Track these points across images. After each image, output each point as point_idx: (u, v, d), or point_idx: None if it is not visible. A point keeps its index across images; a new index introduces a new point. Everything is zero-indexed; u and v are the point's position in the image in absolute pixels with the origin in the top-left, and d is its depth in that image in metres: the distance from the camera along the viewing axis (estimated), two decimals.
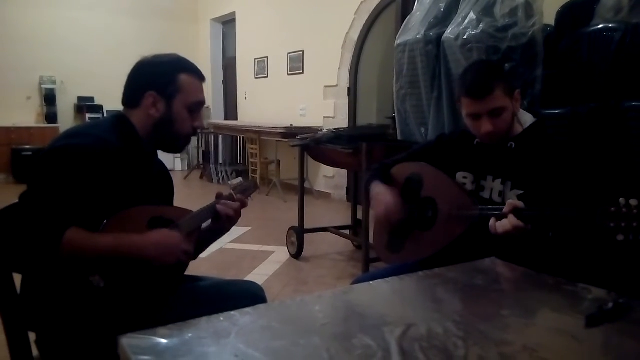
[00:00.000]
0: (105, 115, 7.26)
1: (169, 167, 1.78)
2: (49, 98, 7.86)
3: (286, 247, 3.88)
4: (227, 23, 8.93)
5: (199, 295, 1.37)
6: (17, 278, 1.18)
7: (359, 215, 3.77)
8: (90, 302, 1.15)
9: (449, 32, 2.42)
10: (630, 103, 1.88)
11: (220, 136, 7.77)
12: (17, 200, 1.14)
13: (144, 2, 8.75)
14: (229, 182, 1.55)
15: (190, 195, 6.38)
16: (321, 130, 5.01)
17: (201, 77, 1.37)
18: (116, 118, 1.33)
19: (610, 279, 1.46)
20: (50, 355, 1.22)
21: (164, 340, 0.82)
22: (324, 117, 6.26)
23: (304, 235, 3.75)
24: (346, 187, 6.05)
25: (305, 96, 6.65)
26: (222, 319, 0.91)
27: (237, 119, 8.38)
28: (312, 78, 6.52)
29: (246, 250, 3.97)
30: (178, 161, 8.92)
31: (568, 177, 1.48)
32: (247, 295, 1.37)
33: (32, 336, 1.20)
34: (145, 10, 8.73)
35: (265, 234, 4.48)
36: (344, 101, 6.04)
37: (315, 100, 6.43)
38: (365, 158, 3.01)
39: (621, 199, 1.16)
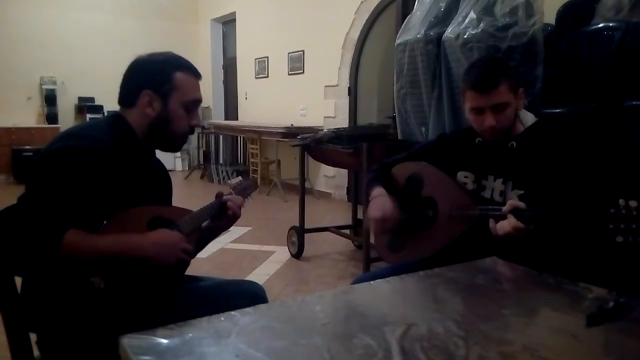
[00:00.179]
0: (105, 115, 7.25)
1: (169, 167, 1.78)
2: (50, 98, 7.87)
3: (287, 247, 3.89)
4: (228, 23, 8.93)
5: (199, 295, 1.37)
6: (18, 279, 1.18)
7: (360, 215, 3.77)
8: (91, 303, 1.15)
9: (450, 32, 2.42)
10: (630, 102, 1.88)
11: (221, 136, 7.77)
12: (15, 202, 1.14)
13: (145, 2, 8.76)
14: (229, 181, 1.56)
15: (191, 195, 6.38)
16: (322, 130, 5.01)
17: (197, 75, 1.36)
18: (113, 118, 1.32)
19: (611, 278, 1.46)
20: (51, 356, 1.22)
21: (164, 341, 0.82)
22: (325, 117, 6.26)
23: (305, 235, 3.75)
24: (347, 187, 6.05)
25: (306, 96, 6.65)
26: (222, 318, 0.91)
27: (237, 119, 8.39)
28: (313, 78, 6.52)
29: (247, 250, 3.97)
30: (179, 161, 8.93)
31: (569, 177, 1.48)
32: (248, 295, 1.36)
33: (33, 337, 1.20)
34: (145, 11, 8.74)
35: (266, 233, 4.48)
36: (345, 101, 6.03)
37: (316, 100, 6.43)
38: (366, 158, 3.01)
39: (621, 200, 1.15)
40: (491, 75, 1.50)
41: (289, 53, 6.94)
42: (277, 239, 4.18)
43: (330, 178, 6.31)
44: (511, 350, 0.82)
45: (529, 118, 1.62)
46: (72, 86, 8.09)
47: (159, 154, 1.43)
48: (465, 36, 2.30)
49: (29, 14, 7.77)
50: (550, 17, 2.47)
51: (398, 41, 2.78)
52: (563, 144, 1.61)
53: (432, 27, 2.58)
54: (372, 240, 2.15)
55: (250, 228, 4.62)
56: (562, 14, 2.49)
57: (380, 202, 1.64)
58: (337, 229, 3.88)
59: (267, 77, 7.60)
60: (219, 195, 1.45)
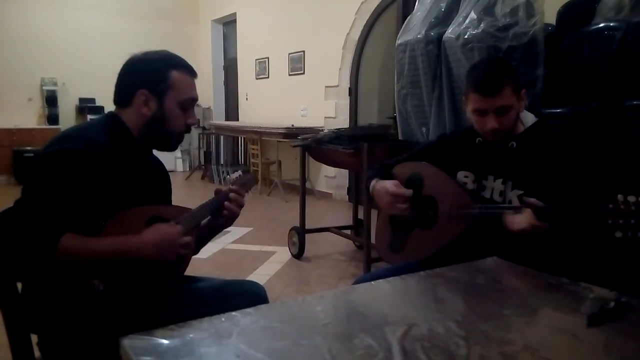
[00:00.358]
0: None
1: (170, 168, 1.78)
2: (50, 99, 7.88)
3: (287, 247, 3.88)
4: (228, 24, 8.94)
5: (200, 295, 1.36)
6: None
7: (360, 215, 3.77)
8: (92, 305, 1.15)
9: (450, 32, 2.42)
10: (631, 102, 1.88)
11: (222, 137, 7.77)
12: (12, 205, 1.13)
13: (145, 3, 8.77)
14: (228, 176, 1.54)
15: (192, 195, 6.38)
16: (322, 130, 5.01)
17: (192, 73, 1.35)
18: (108, 118, 1.31)
19: (612, 278, 1.46)
20: (52, 356, 1.22)
21: (165, 341, 0.82)
22: (325, 117, 6.26)
23: (306, 235, 3.75)
24: (347, 187, 6.05)
25: (306, 96, 6.66)
26: (223, 319, 0.91)
27: (238, 120, 8.39)
28: (313, 78, 6.52)
29: (247, 251, 3.97)
30: (179, 162, 8.93)
31: (569, 177, 1.48)
32: (249, 296, 1.36)
33: (34, 338, 1.20)
34: (146, 12, 8.75)
35: (267, 234, 4.48)
36: (345, 101, 6.04)
37: (316, 100, 6.43)
38: (367, 158, 3.01)
39: (619, 196, 1.15)
40: (496, 78, 1.50)
41: (289, 53, 6.95)
42: (278, 239, 4.18)
43: (331, 178, 6.31)
44: (512, 350, 0.82)
45: (529, 118, 1.62)
46: (73, 87, 8.10)
47: (159, 153, 1.42)
48: (466, 36, 2.30)
49: (30, 15, 7.78)
50: (550, 17, 2.47)
51: (399, 41, 2.78)
52: (563, 144, 1.61)
53: (432, 27, 2.59)
54: (373, 240, 2.15)
55: (251, 228, 4.62)
56: (563, 14, 2.49)
57: (388, 182, 1.66)
58: (338, 230, 3.88)
59: (268, 77, 7.60)
60: (218, 192, 1.44)
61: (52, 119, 7.87)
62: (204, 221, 1.40)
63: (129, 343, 0.80)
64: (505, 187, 1.55)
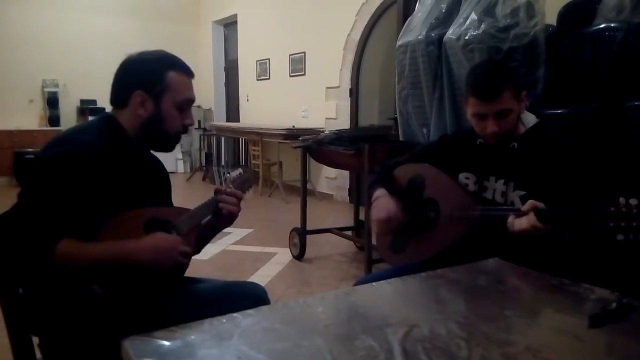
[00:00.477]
0: None
1: (171, 169, 1.77)
2: (52, 101, 7.88)
3: (289, 249, 3.88)
4: (229, 25, 8.95)
5: (201, 297, 1.36)
6: None
7: (362, 216, 3.77)
8: (92, 308, 1.14)
9: (451, 33, 2.42)
10: (632, 102, 1.88)
11: (223, 138, 7.77)
12: (9, 209, 1.13)
13: (146, 4, 8.78)
14: (227, 174, 1.53)
15: (193, 197, 6.36)
16: (323, 131, 5.00)
17: (189, 74, 1.34)
18: (104, 119, 1.30)
19: (613, 279, 1.46)
20: (54, 358, 1.22)
21: (166, 343, 0.82)
22: (326, 119, 6.26)
23: (307, 236, 3.75)
24: (348, 188, 6.05)
25: (307, 97, 6.66)
26: (224, 320, 0.91)
27: (239, 121, 8.40)
28: (314, 79, 6.52)
29: (248, 252, 3.97)
30: (180, 163, 8.93)
31: (571, 177, 1.47)
32: (250, 297, 1.35)
33: (35, 340, 1.20)
34: (147, 13, 8.76)
35: (268, 235, 4.48)
36: (346, 102, 6.04)
37: (317, 101, 6.43)
38: (367, 159, 3.01)
39: (621, 199, 1.15)
40: (495, 83, 1.49)
41: (290, 55, 6.95)
42: (279, 240, 4.18)
43: (331, 179, 6.31)
44: (513, 351, 0.82)
45: (530, 119, 1.62)
46: (74, 89, 8.10)
47: (159, 154, 1.41)
48: (467, 37, 2.30)
49: (30, 16, 7.79)
50: (551, 18, 2.47)
51: (399, 42, 2.78)
52: (564, 144, 1.61)
53: (433, 28, 2.59)
54: (374, 241, 2.15)
55: (252, 230, 4.62)
56: (564, 14, 2.49)
57: (383, 203, 1.64)
58: (339, 231, 3.88)
59: (269, 78, 7.61)
60: (217, 191, 1.43)
61: (53, 120, 7.88)
62: (205, 220, 1.39)
63: (130, 344, 0.80)
64: (507, 188, 1.55)
